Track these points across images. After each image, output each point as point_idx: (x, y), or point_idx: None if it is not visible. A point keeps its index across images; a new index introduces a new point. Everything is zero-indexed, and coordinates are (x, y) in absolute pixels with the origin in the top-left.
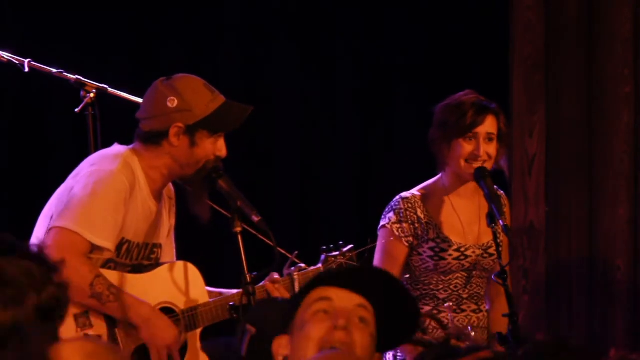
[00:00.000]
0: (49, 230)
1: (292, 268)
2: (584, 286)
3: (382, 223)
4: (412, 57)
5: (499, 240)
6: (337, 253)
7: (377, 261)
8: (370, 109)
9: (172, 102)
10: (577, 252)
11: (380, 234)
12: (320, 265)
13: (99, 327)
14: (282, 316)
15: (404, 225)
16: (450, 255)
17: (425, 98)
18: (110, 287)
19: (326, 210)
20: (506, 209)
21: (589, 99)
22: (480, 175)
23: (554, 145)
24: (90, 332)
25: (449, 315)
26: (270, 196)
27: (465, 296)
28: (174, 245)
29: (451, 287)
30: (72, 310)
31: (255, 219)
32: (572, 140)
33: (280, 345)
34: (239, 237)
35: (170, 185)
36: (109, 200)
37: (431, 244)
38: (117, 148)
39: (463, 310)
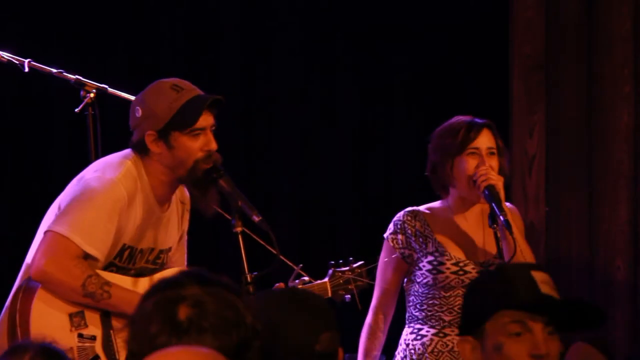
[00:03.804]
0: (45, 233)
1: (297, 280)
2: (584, 286)
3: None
4: (411, 56)
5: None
6: (347, 268)
7: (378, 270)
8: (371, 109)
9: (138, 112)
10: (577, 252)
11: (383, 245)
12: (326, 279)
13: (94, 328)
14: (464, 315)
15: (399, 236)
16: (448, 268)
17: (425, 98)
18: (104, 285)
19: (329, 224)
20: (514, 225)
21: (589, 99)
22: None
23: (554, 145)
24: (85, 332)
25: None
26: (273, 209)
27: None
28: (185, 250)
29: (455, 308)
30: (68, 309)
31: (256, 219)
32: (572, 140)
33: (470, 350)
34: (240, 237)
35: (185, 190)
36: (104, 210)
37: (430, 258)
38: (124, 154)
39: None
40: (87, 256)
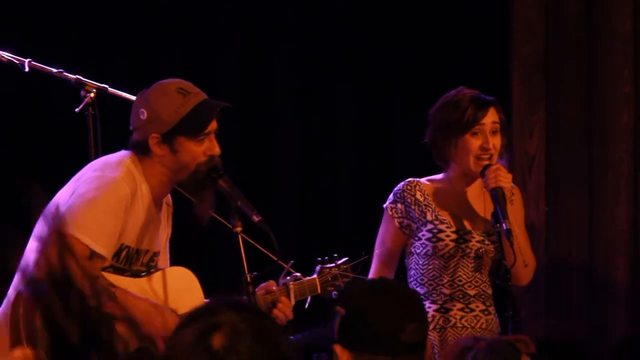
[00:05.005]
0: None
1: (288, 277)
2: (584, 286)
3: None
4: (411, 56)
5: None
6: (332, 265)
7: (377, 241)
8: (371, 108)
9: (143, 115)
10: (577, 252)
11: (383, 215)
12: (315, 275)
13: None
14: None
15: (399, 205)
16: (448, 236)
17: (425, 98)
18: (109, 287)
19: (324, 220)
20: (516, 198)
21: (589, 99)
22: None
23: (554, 145)
24: None
25: None
26: (268, 205)
27: (472, 294)
28: (168, 255)
29: (455, 280)
30: None
31: (256, 218)
32: (572, 140)
33: None
34: (240, 237)
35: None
36: (109, 208)
37: (429, 226)
38: (121, 154)
39: (472, 310)
40: (93, 255)
